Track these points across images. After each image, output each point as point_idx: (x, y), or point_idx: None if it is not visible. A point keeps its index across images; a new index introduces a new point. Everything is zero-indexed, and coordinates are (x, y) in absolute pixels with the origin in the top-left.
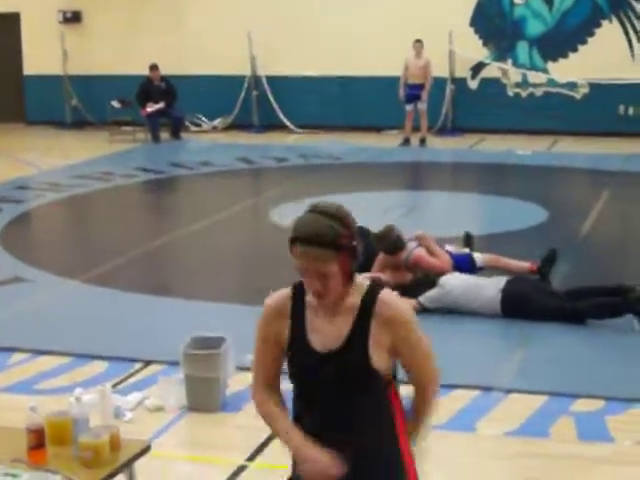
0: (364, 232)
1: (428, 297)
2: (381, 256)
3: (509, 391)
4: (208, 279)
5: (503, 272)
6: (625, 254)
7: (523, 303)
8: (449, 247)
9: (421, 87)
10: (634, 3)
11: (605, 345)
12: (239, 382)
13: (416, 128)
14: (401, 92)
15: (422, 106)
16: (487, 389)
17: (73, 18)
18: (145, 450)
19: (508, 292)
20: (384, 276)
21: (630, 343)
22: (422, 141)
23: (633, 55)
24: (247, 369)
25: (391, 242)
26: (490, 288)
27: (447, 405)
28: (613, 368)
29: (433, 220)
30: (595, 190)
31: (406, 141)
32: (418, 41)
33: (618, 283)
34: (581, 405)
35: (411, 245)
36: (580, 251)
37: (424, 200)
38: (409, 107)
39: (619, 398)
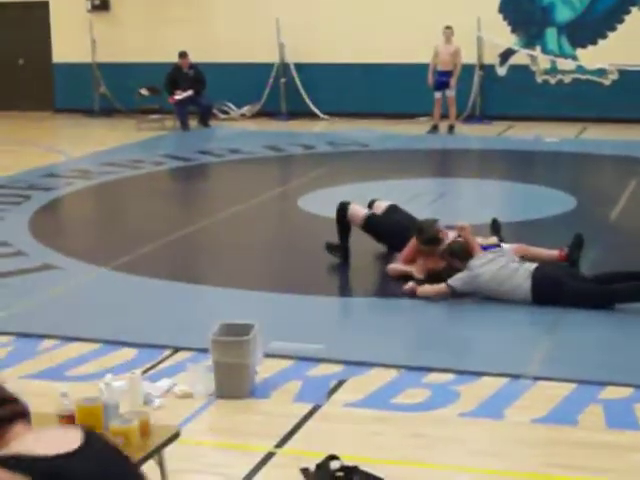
0: (393, 209)
1: (457, 279)
2: (416, 241)
3: (537, 378)
4: (236, 266)
5: (532, 261)
6: None
7: (554, 288)
8: (478, 239)
9: (450, 74)
10: None
11: (634, 332)
12: (267, 369)
13: (444, 115)
14: (430, 78)
15: (451, 93)
16: (515, 376)
17: (101, 6)
18: (175, 436)
19: (539, 277)
20: (414, 267)
21: None
22: (450, 128)
23: None
24: (275, 356)
25: (430, 237)
26: (520, 273)
27: (476, 392)
28: None
29: (461, 207)
30: (624, 177)
31: (434, 128)
32: (448, 27)
33: (630, 269)
34: (610, 393)
35: (450, 235)
36: (609, 238)
37: (452, 187)
38: (438, 94)
39: None
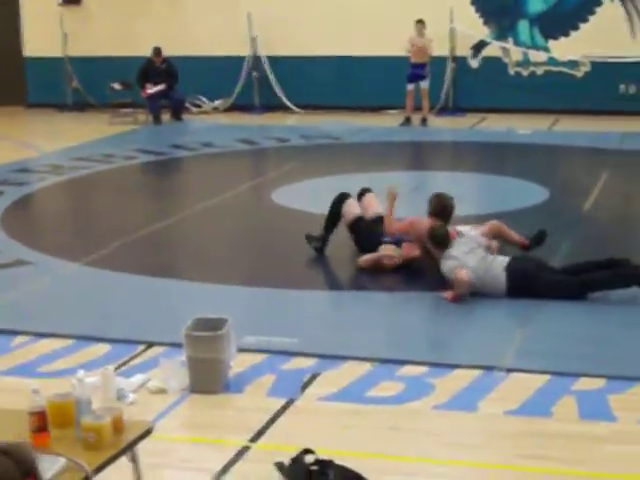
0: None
1: (446, 269)
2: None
3: (511, 370)
4: (210, 261)
5: (503, 241)
6: (626, 231)
7: (527, 281)
8: (461, 227)
9: (424, 66)
10: None
11: (608, 323)
12: (241, 363)
13: (417, 108)
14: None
15: (425, 85)
16: (489, 368)
17: (72, 0)
18: (148, 432)
19: (512, 270)
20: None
21: (633, 321)
22: (423, 121)
23: (634, 33)
24: (248, 350)
25: (438, 239)
26: (495, 266)
27: (449, 384)
28: (615, 346)
29: None
30: (596, 168)
31: (407, 120)
32: (419, 21)
33: (609, 257)
34: (583, 384)
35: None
36: (581, 229)
37: (425, 180)
38: (410, 86)
39: (621, 377)
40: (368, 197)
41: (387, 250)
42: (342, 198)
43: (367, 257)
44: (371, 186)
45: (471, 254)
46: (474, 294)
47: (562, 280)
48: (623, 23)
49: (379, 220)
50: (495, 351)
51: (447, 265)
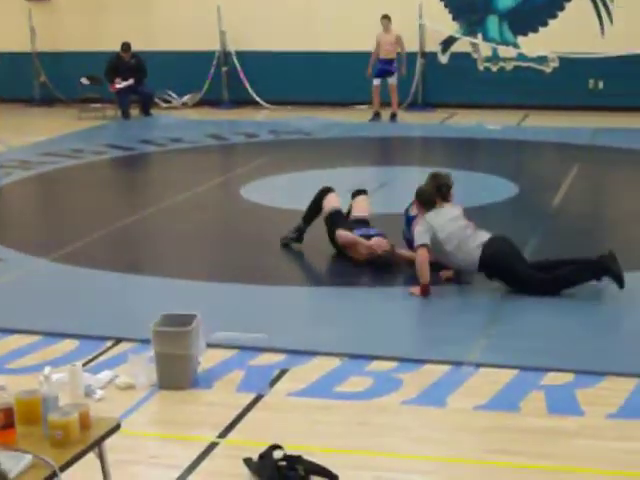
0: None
1: (415, 232)
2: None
3: (479, 365)
4: (179, 256)
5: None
6: (595, 226)
7: (500, 265)
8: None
9: (392, 62)
10: None
11: (576, 318)
12: (210, 359)
13: (386, 103)
14: (369, 69)
15: (393, 81)
16: (458, 364)
17: None
18: (115, 428)
19: (488, 250)
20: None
21: (601, 316)
22: (393, 116)
23: (603, 29)
24: (217, 346)
25: (424, 196)
26: (473, 240)
27: (418, 380)
28: (584, 342)
29: (404, 195)
30: (565, 164)
31: (376, 115)
32: (385, 17)
33: (572, 256)
34: (551, 379)
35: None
36: (551, 225)
37: (395, 175)
38: (376, 81)
39: (589, 371)
40: (360, 198)
41: (375, 241)
42: (325, 191)
43: (348, 234)
44: (340, 182)
45: (452, 222)
46: (443, 286)
47: (534, 274)
48: (592, 19)
49: (360, 223)
50: (464, 346)
51: (417, 229)
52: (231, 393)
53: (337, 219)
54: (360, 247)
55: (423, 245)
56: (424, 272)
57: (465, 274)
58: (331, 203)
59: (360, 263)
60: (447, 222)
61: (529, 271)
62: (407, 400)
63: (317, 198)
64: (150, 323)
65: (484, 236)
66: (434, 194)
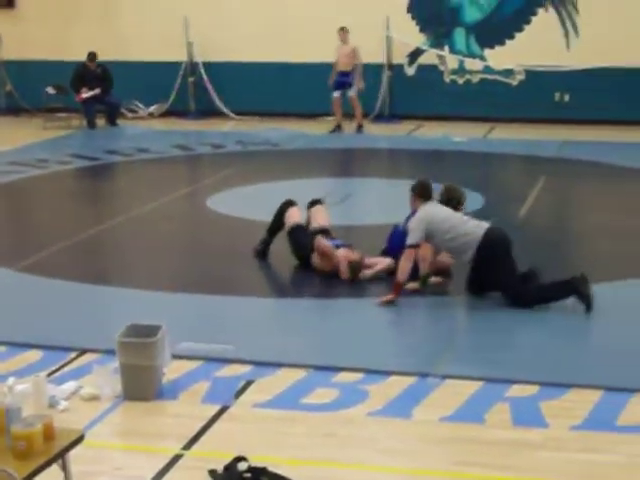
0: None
1: (412, 231)
2: None
3: (445, 377)
4: (144, 267)
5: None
6: (561, 239)
7: (500, 246)
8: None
9: (349, 74)
10: None
11: (541, 331)
12: (175, 370)
13: (350, 115)
14: (331, 79)
15: (352, 93)
16: (424, 375)
17: (6, 3)
18: (79, 439)
19: (491, 231)
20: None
21: (566, 328)
22: (359, 128)
23: (569, 43)
24: (183, 357)
25: (421, 187)
26: (471, 233)
27: (383, 391)
28: (549, 353)
29: (369, 207)
30: (531, 176)
31: (337, 128)
32: (342, 28)
33: (529, 267)
34: (516, 391)
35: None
36: (517, 236)
37: (361, 187)
38: (336, 93)
39: (554, 383)
40: (317, 208)
41: (342, 252)
42: (286, 205)
43: (328, 243)
44: (306, 193)
45: (448, 211)
46: (411, 297)
47: (518, 285)
48: (558, 33)
49: (322, 233)
50: (430, 358)
51: (411, 226)
52: (196, 404)
53: (299, 234)
54: (328, 258)
55: (413, 245)
56: (404, 270)
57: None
58: (293, 218)
59: (324, 274)
60: (443, 209)
61: (515, 275)
62: (373, 411)
63: (279, 212)
64: (115, 334)
65: (481, 230)
66: (430, 185)
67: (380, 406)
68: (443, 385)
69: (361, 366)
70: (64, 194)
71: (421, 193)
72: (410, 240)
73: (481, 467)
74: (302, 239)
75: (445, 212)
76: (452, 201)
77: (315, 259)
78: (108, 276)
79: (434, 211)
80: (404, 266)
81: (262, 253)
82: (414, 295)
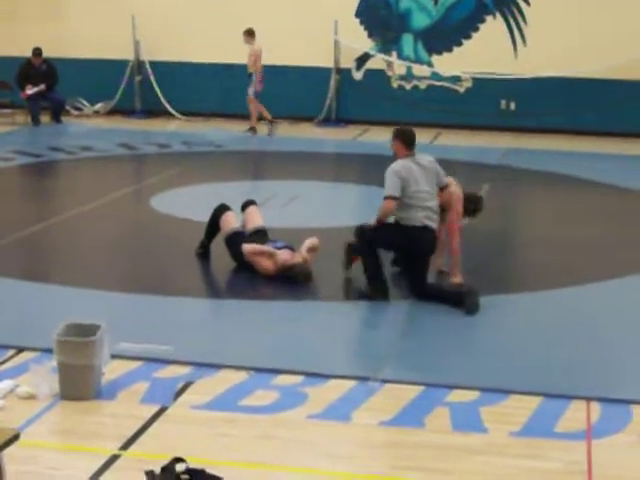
0: (261, 233)
1: (388, 187)
2: None
3: (385, 381)
4: (85, 266)
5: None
6: (502, 247)
7: (413, 252)
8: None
9: (251, 76)
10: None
11: (483, 336)
12: (114, 370)
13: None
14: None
15: (249, 94)
16: (364, 379)
17: None
18: (14, 438)
19: (414, 232)
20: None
21: (507, 334)
22: (250, 129)
23: (516, 51)
24: (122, 357)
25: (403, 132)
26: (419, 211)
27: (323, 395)
28: (489, 359)
29: (314, 210)
30: (476, 183)
31: (251, 129)
32: (245, 31)
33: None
34: (456, 396)
35: None
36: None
37: (306, 190)
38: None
39: (493, 389)
40: (251, 210)
41: (282, 254)
42: (220, 211)
43: (253, 246)
44: (252, 194)
45: (427, 183)
46: (350, 304)
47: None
48: (505, 41)
49: (259, 233)
50: (371, 362)
51: (390, 181)
52: (135, 405)
53: (237, 240)
54: (266, 258)
55: (392, 197)
56: (384, 219)
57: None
58: (229, 224)
59: (270, 276)
60: (421, 173)
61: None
62: (312, 415)
63: (213, 217)
64: (54, 332)
65: (424, 218)
66: (413, 133)
67: (320, 409)
68: (383, 389)
69: (301, 369)
70: (6, 191)
71: (399, 136)
72: (388, 192)
73: (420, 471)
74: (240, 246)
75: (419, 178)
76: (478, 211)
77: (256, 266)
78: (48, 274)
79: (411, 168)
80: (384, 215)
81: (202, 256)
82: (355, 298)
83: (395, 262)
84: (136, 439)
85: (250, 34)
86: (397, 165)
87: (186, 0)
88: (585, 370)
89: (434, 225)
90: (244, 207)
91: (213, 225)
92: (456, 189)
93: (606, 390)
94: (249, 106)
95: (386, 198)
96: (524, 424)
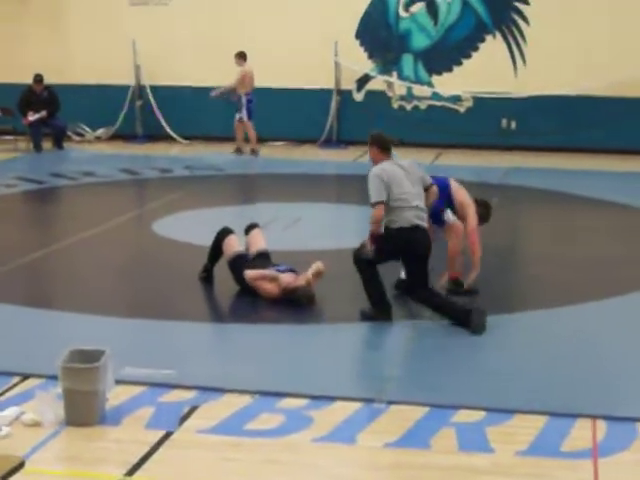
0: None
1: (371, 191)
2: None
3: (391, 402)
4: (88, 291)
5: None
6: (506, 265)
7: (402, 254)
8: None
9: (239, 98)
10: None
11: (487, 356)
12: (119, 395)
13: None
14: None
15: (236, 118)
16: (369, 401)
17: None
18: (19, 466)
19: (405, 234)
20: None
21: (511, 354)
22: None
23: (516, 70)
24: (127, 382)
25: (378, 138)
26: (409, 212)
27: (328, 417)
28: (494, 378)
29: (316, 232)
30: None
31: (237, 150)
32: (237, 53)
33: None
34: (462, 416)
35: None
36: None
37: (308, 212)
38: (236, 116)
39: (499, 409)
40: (254, 233)
41: (285, 277)
42: (223, 234)
43: (255, 272)
44: (252, 218)
45: (411, 184)
46: (359, 322)
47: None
48: (505, 60)
49: (262, 257)
50: (376, 383)
51: (372, 186)
52: (140, 430)
53: (240, 263)
54: (268, 282)
55: (380, 202)
56: (377, 226)
57: None
58: (232, 248)
59: (273, 299)
60: (400, 174)
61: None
62: (318, 437)
63: (216, 241)
64: (58, 359)
65: (415, 218)
66: (385, 138)
67: (325, 432)
68: (388, 411)
69: (306, 392)
70: (8, 217)
71: (374, 143)
72: (374, 198)
73: None
74: (245, 267)
75: (401, 179)
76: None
77: (259, 290)
78: (51, 300)
79: (392, 170)
80: (377, 223)
81: (206, 280)
82: (358, 320)
83: (397, 286)
84: (142, 465)
85: (241, 56)
86: (377, 169)
87: (186, 24)
88: (590, 388)
89: (424, 224)
90: (247, 230)
91: (216, 249)
92: (470, 203)
93: (611, 408)
94: (236, 129)
95: (374, 205)
96: (530, 443)
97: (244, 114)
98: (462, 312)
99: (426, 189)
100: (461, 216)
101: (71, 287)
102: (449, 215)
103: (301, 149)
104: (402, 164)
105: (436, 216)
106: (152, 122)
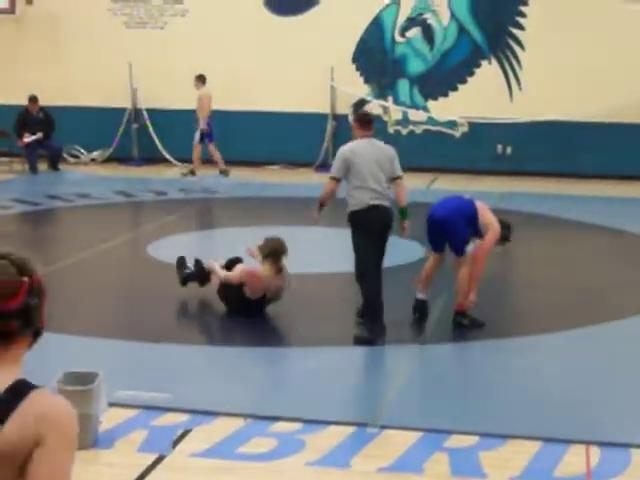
0: None
1: (333, 168)
2: None
3: (384, 427)
4: (82, 313)
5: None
6: (500, 290)
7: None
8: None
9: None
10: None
11: (478, 381)
12: (112, 418)
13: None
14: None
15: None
16: (362, 425)
17: None
18: None
19: (362, 216)
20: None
21: (505, 379)
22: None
23: (512, 95)
24: (120, 405)
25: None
26: (367, 192)
27: (321, 442)
28: (488, 404)
29: (311, 256)
30: None
31: (190, 172)
32: (197, 76)
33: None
34: (455, 441)
35: None
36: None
37: (301, 235)
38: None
39: (492, 434)
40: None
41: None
42: (234, 262)
43: (246, 267)
44: (248, 240)
45: (377, 166)
46: (347, 347)
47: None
48: (501, 85)
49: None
50: (369, 408)
51: (334, 164)
52: (132, 453)
53: (229, 291)
54: (258, 279)
55: (333, 178)
56: (325, 197)
57: None
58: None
59: (255, 296)
60: (368, 157)
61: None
62: (311, 462)
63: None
64: (52, 381)
65: (371, 200)
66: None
67: (318, 456)
68: (382, 435)
69: (299, 416)
70: (3, 239)
71: (355, 119)
72: (331, 173)
73: None
74: (234, 297)
75: (368, 162)
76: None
77: (247, 286)
78: (46, 322)
79: (360, 151)
80: (326, 194)
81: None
82: (352, 344)
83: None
84: None
85: (200, 79)
86: (346, 146)
87: (182, 48)
88: (583, 414)
89: (384, 203)
90: (229, 265)
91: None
92: (494, 222)
93: (605, 434)
94: (194, 151)
95: (330, 179)
96: (524, 468)
97: (196, 137)
98: (376, 323)
99: (393, 179)
100: (484, 235)
101: (65, 309)
102: (471, 247)
103: (297, 173)
104: (379, 145)
105: (462, 246)
106: (148, 145)
